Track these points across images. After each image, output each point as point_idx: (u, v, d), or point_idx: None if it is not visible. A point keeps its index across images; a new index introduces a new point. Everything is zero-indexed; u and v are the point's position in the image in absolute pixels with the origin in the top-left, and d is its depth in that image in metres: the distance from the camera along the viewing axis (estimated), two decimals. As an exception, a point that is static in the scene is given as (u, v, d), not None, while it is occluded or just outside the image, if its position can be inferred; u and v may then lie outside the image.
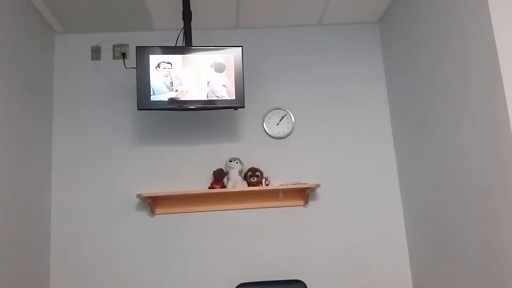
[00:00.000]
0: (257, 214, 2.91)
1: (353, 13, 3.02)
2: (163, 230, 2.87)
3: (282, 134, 3.00)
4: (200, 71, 2.61)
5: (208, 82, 2.60)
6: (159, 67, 2.55)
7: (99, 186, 2.90)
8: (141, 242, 2.85)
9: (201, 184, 2.91)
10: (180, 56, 2.60)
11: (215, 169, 2.88)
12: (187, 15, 2.73)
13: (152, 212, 2.86)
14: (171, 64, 2.56)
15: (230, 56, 2.64)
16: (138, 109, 2.58)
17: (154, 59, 2.59)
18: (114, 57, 3.05)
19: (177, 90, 2.54)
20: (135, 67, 2.62)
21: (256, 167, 2.89)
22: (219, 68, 2.60)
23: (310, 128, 3.03)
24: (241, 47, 2.66)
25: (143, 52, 2.60)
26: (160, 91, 2.56)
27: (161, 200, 2.87)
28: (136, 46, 2.62)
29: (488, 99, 1.93)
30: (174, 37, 2.91)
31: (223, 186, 2.83)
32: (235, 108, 2.66)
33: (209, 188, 2.84)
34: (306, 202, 2.92)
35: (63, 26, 2.97)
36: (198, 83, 2.60)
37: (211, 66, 2.60)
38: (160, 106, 2.58)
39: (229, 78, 2.63)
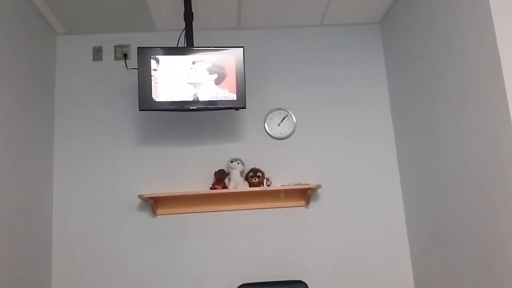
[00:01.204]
0: (259, 214, 2.91)
1: (354, 13, 3.02)
2: (164, 230, 2.87)
3: (283, 134, 3.00)
4: (202, 73, 2.61)
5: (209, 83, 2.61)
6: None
7: (100, 187, 2.90)
8: (142, 243, 2.85)
9: (203, 184, 2.92)
10: (181, 56, 2.60)
11: (216, 170, 2.88)
12: (188, 16, 2.73)
13: (154, 213, 2.86)
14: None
15: (232, 57, 2.64)
16: (140, 110, 2.58)
17: (156, 59, 2.59)
18: (116, 58, 3.06)
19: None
20: (137, 67, 2.62)
21: (257, 167, 2.89)
22: (218, 80, 2.60)
23: (312, 129, 3.03)
24: (242, 48, 2.66)
25: (144, 53, 2.60)
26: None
27: (163, 200, 2.87)
28: (138, 47, 2.62)
29: (489, 99, 1.93)
30: (176, 37, 2.91)
31: (225, 187, 2.83)
32: (237, 109, 2.66)
33: (211, 188, 2.84)
34: (307, 203, 2.92)
35: (65, 27, 2.97)
36: (200, 82, 2.61)
37: (211, 73, 2.60)
38: (162, 107, 2.58)
39: (230, 84, 2.62)
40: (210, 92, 2.60)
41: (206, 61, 2.62)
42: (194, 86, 2.60)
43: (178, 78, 2.60)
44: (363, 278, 2.86)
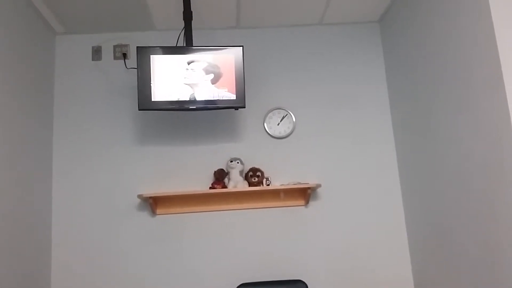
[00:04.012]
0: (258, 214, 2.91)
1: (353, 12, 3.02)
2: (164, 230, 2.87)
3: (283, 134, 3.00)
4: (198, 73, 2.61)
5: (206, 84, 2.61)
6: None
7: (100, 187, 2.90)
8: (142, 243, 2.85)
9: (202, 184, 2.91)
10: (180, 56, 2.60)
11: (216, 169, 2.88)
12: (187, 15, 2.73)
13: (153, 212, 2.86)
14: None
15: (231, 56, 2.64)
16: (139, 110, 2.58)
17: (155, 59, 2.59)
18: (115, 58, 3.05)
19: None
20: (136, 67, 2.62)
21: (257, 167, 2.89)
22: (214, 80, 2.59)
23: (311, 128, 3.03)
24: (241, 47, 2.66)
25: (144, 52, 2.60)
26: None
27: (162, 200, 2.87)
28: (137, 46, 2.62)
29: (489, 98, 1.93)
30: (175, 37, 2.91)
31: (224, 186, 2.82)
32: (236, 108, 2.66)
33: (210, 188, 2.84)
34: (307, 202, 2.92)
35: (64, 26, 2.97)
36: (198, 83, 2.60)
37: (207, 73, 2.60)
38: (161, 107, 2.58)
39: (229, 83, 2.62)
40: (207, 92, 2.60)
41: (202, 61, 2.61)
42: (191, 87, 2.60)
43: (176, 78, 2.59)
44: (362, 277, 2.86)
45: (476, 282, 2.12)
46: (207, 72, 2.61)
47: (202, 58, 2.61)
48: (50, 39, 2.99)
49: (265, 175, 2.91)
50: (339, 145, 3.02)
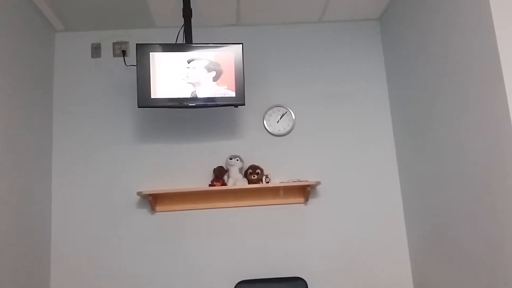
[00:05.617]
0: (258, 211, 2.91)
1: (353, 10, 3.02)
2: (163, 227, 2.87)
3: (282, 131, 3.00)
4: (199, 71, 2.61)
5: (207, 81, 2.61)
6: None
7: (99, 184, 2.90)
8: (141, 240, 2.85)
9: (202, 181, 2.91)
10: (180, 53, 2.60)
11: (215, 167, 2.88)
12: (187, 12, 2.72)
13: (153, 210, 2.86)
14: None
15: (231, 54, 2.64)
16: (139, 107, 2.57)
17: (154, 56, 2.59)
18: (114, 55, 3.05)
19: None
20: (135, 64, 2.61)
21: (256, 164, 2.89)
22: (216, 77, 2.59)
23: (311, 126, 3.03)
24: (241, 44, 2.65)
25: (143, 50, 2.60)
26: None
27: (162, 197, 2.87)
28: (136, 44, 2.61)
29: (489, 97, 1.93)
30: (175, 34, 2.90)
31: (224, 184, 2.83)
32: (236, 106, 2.66)
33: (210, 185, 2.84)
34: (306, 200, 2.92)
35: (63, 23, 2.96)
36: (199, 81, 2.60)
37: (209, 71, 2.60)
38: (160, 104, 2.58)
39: (229, 80, 2.62)
40: (208, 89, 2.60)
41: (203, 59, 2.61)
42: (193, 85, 2.60)
43: (176, 75, 2.59)
44: (362, 274, 2.87)
45: (476, 281, 2.12)
46: (209, 70, 2.61)
47: (203, 56, 2.61)
48: (50, 37, 2.98)
49: (265, 173, 2.91)
50: (339, 142, 3.02)
